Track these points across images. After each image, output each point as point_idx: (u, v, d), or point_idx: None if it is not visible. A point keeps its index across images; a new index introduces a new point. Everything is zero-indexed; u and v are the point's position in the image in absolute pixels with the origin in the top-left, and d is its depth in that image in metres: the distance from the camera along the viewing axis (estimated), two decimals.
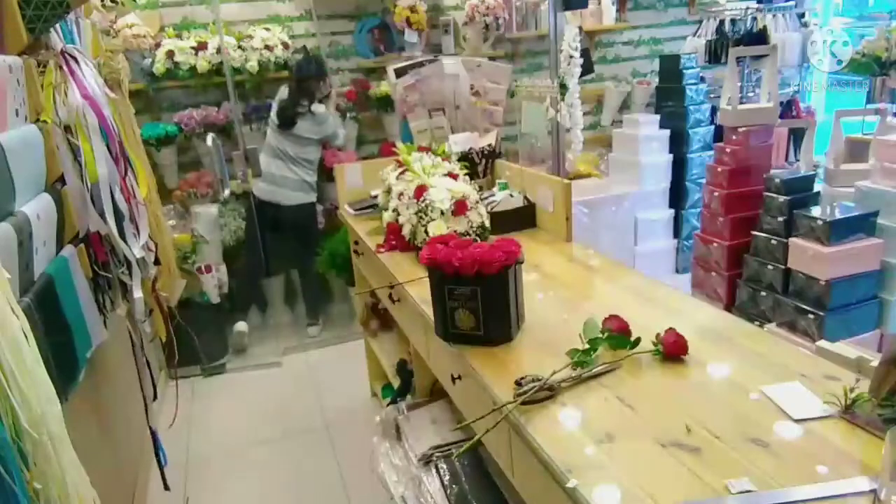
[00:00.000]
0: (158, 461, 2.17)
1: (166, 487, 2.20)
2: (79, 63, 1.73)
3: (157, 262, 2.23)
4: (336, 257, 3.79)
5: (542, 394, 1.25)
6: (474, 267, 1.44)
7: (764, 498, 0.96)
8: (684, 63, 4.37)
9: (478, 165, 2.81)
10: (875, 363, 1.18)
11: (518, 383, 1.28)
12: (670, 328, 1.41)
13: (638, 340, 1.40)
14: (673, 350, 1.38)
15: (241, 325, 3.90)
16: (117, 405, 2.21)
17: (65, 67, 1.67)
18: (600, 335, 1.40)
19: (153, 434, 2.14)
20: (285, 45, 3.83)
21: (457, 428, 1.41)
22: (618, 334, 1.40)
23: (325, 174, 4.02)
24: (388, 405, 2.54)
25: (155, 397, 2.23)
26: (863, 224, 2.88)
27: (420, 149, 2.58)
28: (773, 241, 3.13)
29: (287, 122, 3.68)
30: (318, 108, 3.73)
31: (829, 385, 1.22)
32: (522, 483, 1.34)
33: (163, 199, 3.22)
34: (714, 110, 4.37)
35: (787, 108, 4.65)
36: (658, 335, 1.41)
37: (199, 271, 3.56)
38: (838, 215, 2.86)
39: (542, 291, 1.86)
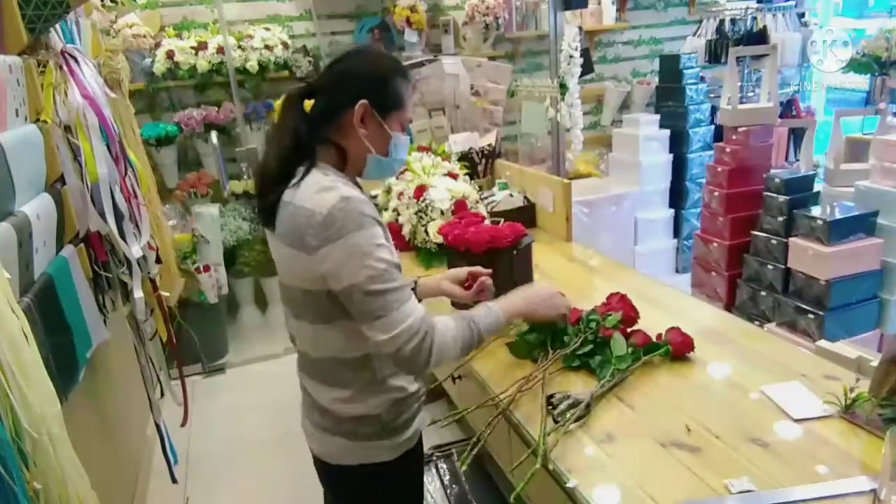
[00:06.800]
0: (166, 457, 2.17)
1: (174, 480, 2.21)
2: (79, 63, 1.73)
3: (158, 260, 2.23)
4: None
5: (578, 411, 1.20)
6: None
7: (764, 498, 0.96)
8: (684, 63, 4.36)
9: (478, 165, 2.81)
10: (875, 363, 1.18)
11: (550, 403, 1.23)
12: (675, 327, 1.41)
13: (658, 346, 1.38)
14: (681, 349, 1.38)
15: None
16: (117, 405, 2.20)
17: (65, 67, 1.67)
18: (628, 352, 1.36)
19: (160, 431, 2.15)
20: (285, 45, 3.82)
21: (450, 415, 1.41)
22: (642, 347, 1.39)
23: None
24: None
25: (161, 395, 2.23)
26: (863, 224, 2.87)
27: (420, 149, 2.58)
28: (773, 241, 3.12)
29: None
30: None
31: (829, 385, 1.22)
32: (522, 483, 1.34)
33: (163, 199, 3.21)
34: (714, 110, 4.37)
35: (787, 108, 4.65)
36: (659, 335, 1.42)
37: (196, 271, 3.55)
38: (838, 215, 2.85)
39: None
